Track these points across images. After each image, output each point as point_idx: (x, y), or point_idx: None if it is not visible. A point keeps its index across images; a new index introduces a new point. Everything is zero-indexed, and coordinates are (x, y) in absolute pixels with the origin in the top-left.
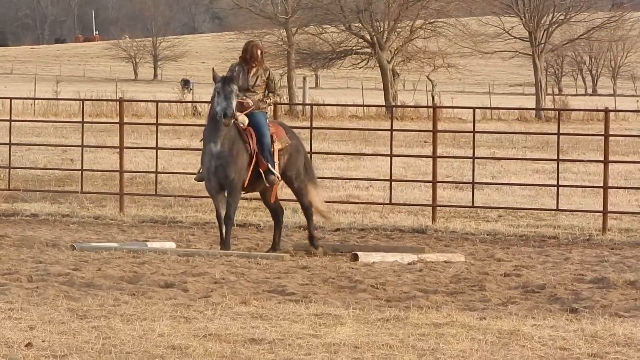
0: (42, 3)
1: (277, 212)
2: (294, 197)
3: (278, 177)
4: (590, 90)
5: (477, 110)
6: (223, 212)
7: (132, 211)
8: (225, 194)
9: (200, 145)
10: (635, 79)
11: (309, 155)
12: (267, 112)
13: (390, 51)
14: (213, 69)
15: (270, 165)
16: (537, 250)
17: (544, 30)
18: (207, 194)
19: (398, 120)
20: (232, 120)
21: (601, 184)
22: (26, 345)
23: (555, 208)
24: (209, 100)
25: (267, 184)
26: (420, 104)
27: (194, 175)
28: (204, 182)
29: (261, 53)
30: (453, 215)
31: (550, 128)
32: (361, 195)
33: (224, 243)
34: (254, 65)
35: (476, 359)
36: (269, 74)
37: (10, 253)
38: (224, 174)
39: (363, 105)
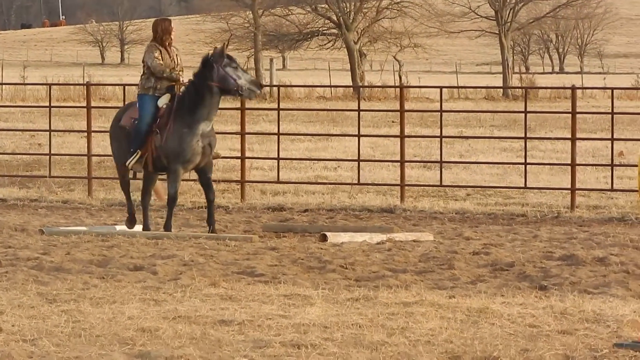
0: None
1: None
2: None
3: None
4: (557, 69)
5: (444, 90)
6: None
7: (101, 195)
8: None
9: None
10: (602, 57)
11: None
12: None
13: (357, 32)
14: (224, 46)
15: None
16: (505, 229)
17: (510, 9)
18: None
19: (365, 100)
20: None
21: (569, 162)
22: None
23: (523, 186)
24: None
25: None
26: (387, 84)
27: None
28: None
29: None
30: (421, 195)
31: (518, 106)
32: (329, 175)
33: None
34: (170, 41)
35: (446, 337)
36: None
37: None
38: (210, 152)
39: (330, 86)
